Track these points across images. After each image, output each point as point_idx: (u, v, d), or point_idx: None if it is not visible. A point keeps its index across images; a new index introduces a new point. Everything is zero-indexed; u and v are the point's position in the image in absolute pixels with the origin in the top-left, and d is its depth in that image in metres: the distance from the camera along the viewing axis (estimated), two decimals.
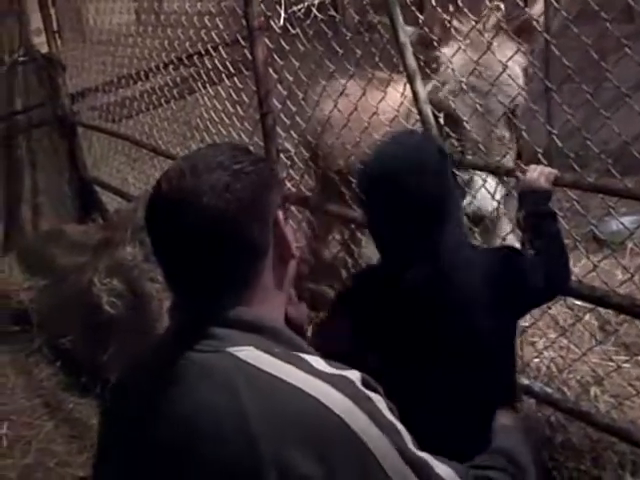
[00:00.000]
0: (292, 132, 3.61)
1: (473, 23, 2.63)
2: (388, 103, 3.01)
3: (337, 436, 1.15)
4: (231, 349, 1.22)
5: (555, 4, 2.31)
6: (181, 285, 1.29)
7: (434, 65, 2.78)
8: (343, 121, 3.18)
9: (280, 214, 1.31)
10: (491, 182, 2.58)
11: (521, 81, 2.71)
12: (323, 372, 1.22)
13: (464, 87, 2.61)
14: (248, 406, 1.16)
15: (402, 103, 2.91)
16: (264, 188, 1.28)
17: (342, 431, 1.15)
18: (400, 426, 1.21)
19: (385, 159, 1.83)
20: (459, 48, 2.63)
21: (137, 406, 1.28)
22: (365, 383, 1.22)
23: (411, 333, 1.82)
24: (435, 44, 2.72)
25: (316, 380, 1.19)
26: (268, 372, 1.19)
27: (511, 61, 2.55)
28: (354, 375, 1.22)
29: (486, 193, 2.59)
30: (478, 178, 2.60)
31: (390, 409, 1.22)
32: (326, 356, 1.29)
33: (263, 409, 1.16)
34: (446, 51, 2.75)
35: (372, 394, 1.21)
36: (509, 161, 2.64)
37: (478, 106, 2.59)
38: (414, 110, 2.79)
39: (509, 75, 2.56)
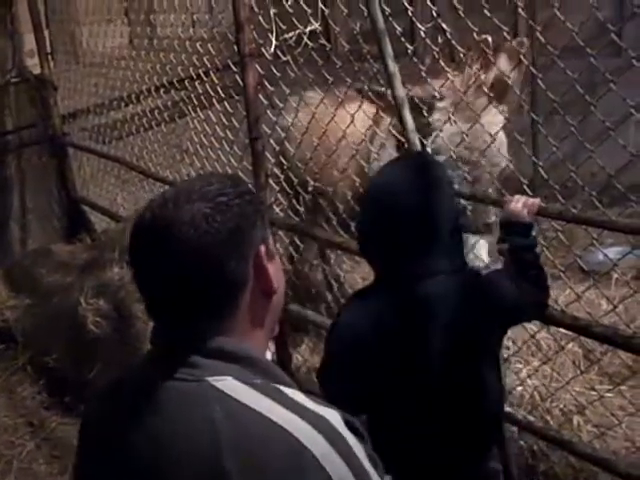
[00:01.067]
0: (281, 157, 3.65)
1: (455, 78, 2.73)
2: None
3: (310, 474, 1.13)
4: (210, 379, 1.22)
5: (541, 39, 2.36)
6: (161, 313, 1.29)
7: (427, 129, 2.86)
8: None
9: (262, 249, 1.30)
10: (483, 243, 2.63)
11: (505, 146, 2.85)
12: (303, 407, 1.20)
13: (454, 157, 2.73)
14: (223, 440, 1.15)
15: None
16: (246, 222, 1.28)
17: (317, 473, 1.13)
18: (376, 476, 1.19)
19: (390, 178, 1.97)
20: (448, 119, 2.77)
21: (113, 431, 1.28)
22: (347, 423, 1.21)
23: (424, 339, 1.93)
24: (425, 109, 2.83)
25: (295, 417, 1.18)
26: (246, 405, 1.19)
27: (497, 128, 2.71)
28: (334, 416, 1.20)
29: (477, 255, 2.69)
30: (471, 239, 2.68)
31: (369, 455, 1.20)
32: None
33: (238, 444, 1.15)
34: (436, 117, 2.84)
35: (352, 438, 1.19)
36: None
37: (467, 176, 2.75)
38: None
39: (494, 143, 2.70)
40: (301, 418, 1.17)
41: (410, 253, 1.92)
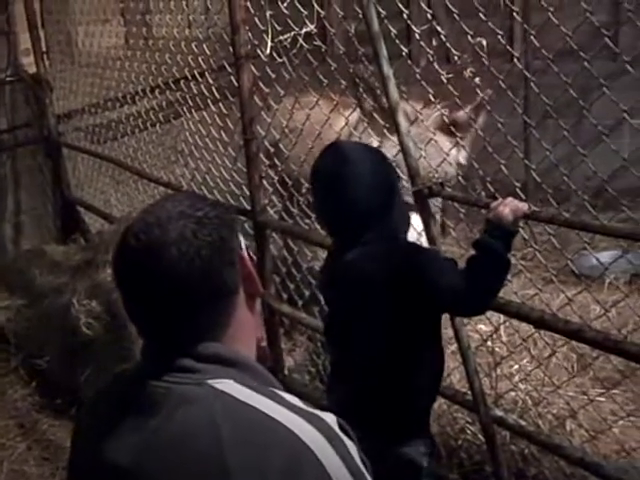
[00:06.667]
0: (275, 159, 3.64)
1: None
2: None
3: (309, 471, 1.15)
4: (210, 381, 1.24)
5: (535, 43, 2.36)
6: (157, 332, 1.31)
7: None
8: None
9: (245, 253, 1.35)
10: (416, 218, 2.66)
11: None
12: (300, 408, 1.23)
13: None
14: (225, 436, 1.17)
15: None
16: (228, 230, 1.32)
17: (314, 467, 1.15)
18: (368, 477, 1.21)
19: (331, 158, 2.16)
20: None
21: (107, 436, 1.28)
22: (340, 426, 1.23)
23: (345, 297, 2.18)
24: None
25: (293, 414, 1.21)
26: (246, 403, 1.21)
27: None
28: (330, 417, 1.24)
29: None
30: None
31: (362, 460, 1.22)
32: None
33: (240, 439, 1.16)
34: None
35: (346, 439, 1.22)
36: None
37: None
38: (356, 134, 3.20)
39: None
40: (302, 418, 1.20)
41: (339, 225, 2.16)
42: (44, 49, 5.49)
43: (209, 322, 1.29)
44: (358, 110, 3.39)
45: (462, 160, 3.31)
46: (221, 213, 1.33)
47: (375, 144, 3.17)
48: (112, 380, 1.41)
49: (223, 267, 1.29)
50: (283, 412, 1.21)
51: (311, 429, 1.18)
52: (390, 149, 2.89)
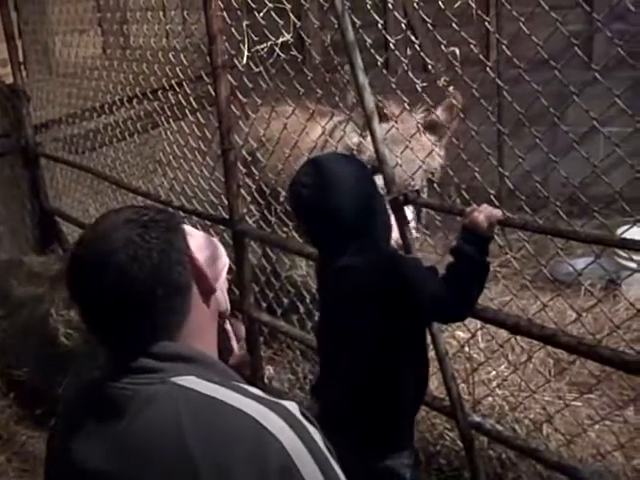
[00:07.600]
0: (252, 168, 3.65)
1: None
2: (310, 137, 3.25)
3: (274, 459, 1.18)
4: (173, 379, 1.27)
5: (507, 52, 2.38)
6: (117, 338, 1.34)
7: None
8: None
9: (193, 253, 1.38)
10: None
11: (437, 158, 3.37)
12: (264, 397, 1.27)
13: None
14: (186, 426, 1.20)
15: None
16: (175, 232, 1.36)
17: (279, 454, 1.18)
18: (334, 462, 1.25)
19: (309, 174, 2.13)
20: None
21: (79, 442, 1.31)
22: (303, 414, 1.27)
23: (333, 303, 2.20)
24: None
25: (257, 404, 1.24)
26: (210, 396, 1.25)
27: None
28: (292, 405, 1.27)
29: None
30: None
31: (326, 445, 1.26)
32: None
33: (203, 430, 1.20)
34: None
35: (309, 426, 1.25)
36: None
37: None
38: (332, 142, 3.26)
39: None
40: (266, 407, 1.24)
41: (320, 238, 2.20)
42: (21, 59, 5.46)
43: (165, 322, 1.32)
44: (334, 119, 3.41)
45: (440, 159, 3.35)
46: (166, 217, 1.37)
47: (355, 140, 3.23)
48: (82, 387, 1.43)
49: (173, 267, 1.32)
50: (247, 402, 1.24)
51: (275, 418, 1.22)
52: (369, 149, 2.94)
